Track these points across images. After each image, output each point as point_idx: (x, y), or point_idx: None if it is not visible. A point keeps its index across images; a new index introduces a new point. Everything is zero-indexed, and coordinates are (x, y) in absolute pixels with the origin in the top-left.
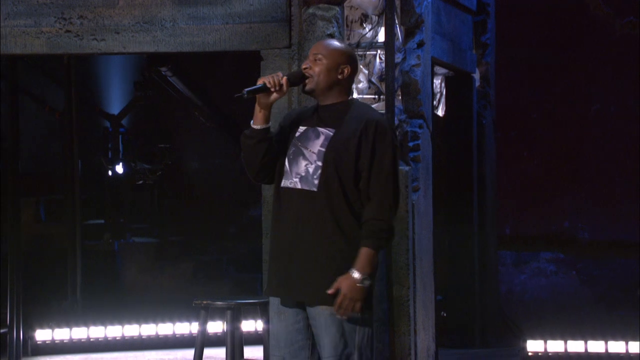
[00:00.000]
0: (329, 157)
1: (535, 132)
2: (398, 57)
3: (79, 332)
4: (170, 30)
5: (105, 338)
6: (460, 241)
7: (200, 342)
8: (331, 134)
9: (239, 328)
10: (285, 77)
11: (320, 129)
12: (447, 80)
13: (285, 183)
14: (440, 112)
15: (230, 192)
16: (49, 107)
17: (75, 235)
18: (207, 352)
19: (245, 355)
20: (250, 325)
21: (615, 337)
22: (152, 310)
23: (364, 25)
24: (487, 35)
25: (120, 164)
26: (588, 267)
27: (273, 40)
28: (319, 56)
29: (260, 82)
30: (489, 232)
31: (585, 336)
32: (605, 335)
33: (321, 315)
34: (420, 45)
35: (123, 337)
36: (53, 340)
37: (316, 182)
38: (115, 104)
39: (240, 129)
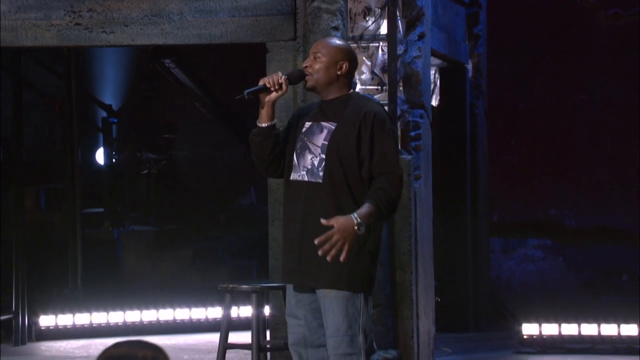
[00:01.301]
0: (332, 150)
1: (522, 122)
2: (400, 49)
3: (82, 318)
4: (177, 23)
5: (108, 324)
6: (454, 228)
7: (225, 326)
8: (333, 127)
9: (263, 311)
10: (284, 77)
11: (324, 124)
12: (441, 71)
13: (294, 176)
14: (434, 102)
15: (219, 182)
16: (49, 98)
17: (76, 224)
18: (212, 337)
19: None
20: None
21: (607, 320)
22: (152, 296)
23: (367, 18)
24: (479, 27)
25: (116, 154)
26: (574, 253)
27: (278, 33)
28: (318, 54)
29: (260, 83)
30: (482, 220)
31: (578, 319)
32: (597, 318)
33: (326, 298)
34: (421, 37)
35: (125, 322)
36: (57, 326)
37: (321, 174)
38: (110, 94)
39: (239, 120)
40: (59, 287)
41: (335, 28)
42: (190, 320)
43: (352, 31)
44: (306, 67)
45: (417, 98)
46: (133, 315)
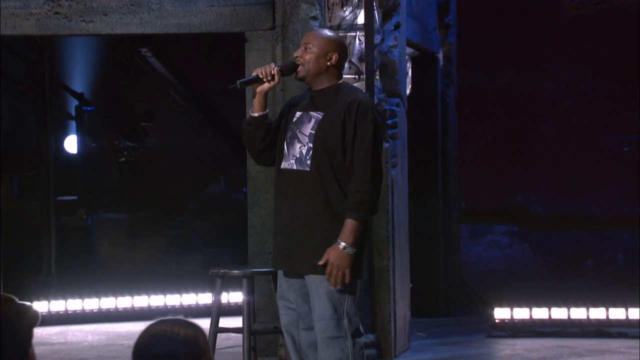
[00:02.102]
0: (318, 139)
1: (489, 109)
2: (377, 39)
3: (57, 305)
4: (157, 12)
5: (83, 310)
6: (426, 214)
7: (216, 311)
8: (320, 117)
9: (253, 296)
10: (277, 68)
11: (312, 113)
12: (413, 60)
13: (284, 165)
14: (407, 91)
15: (189, 170)
16: (21, 86)
17: (50, 211)
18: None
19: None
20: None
21: (576, 305)
22: (127, 283)
23: (345, 8)
24: (450, 17)
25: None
26: (540, 239)
27: (257, 22)
28: (309, 45)
29: (253, 74)
30: (452, 206)
31: (548, 304)
32: (566, 302)
33: (312, 283)
34: (397, 27)
35: (100, 309)
36: None
37: (309, 162)
38: (80, 82)
39: (213, 109)
40: (33, 274)
41: (314, 18)
42: (165, 306)
43: (330, 21)
44: (297, 57)
45: (394, 87)
46: (108, 302)
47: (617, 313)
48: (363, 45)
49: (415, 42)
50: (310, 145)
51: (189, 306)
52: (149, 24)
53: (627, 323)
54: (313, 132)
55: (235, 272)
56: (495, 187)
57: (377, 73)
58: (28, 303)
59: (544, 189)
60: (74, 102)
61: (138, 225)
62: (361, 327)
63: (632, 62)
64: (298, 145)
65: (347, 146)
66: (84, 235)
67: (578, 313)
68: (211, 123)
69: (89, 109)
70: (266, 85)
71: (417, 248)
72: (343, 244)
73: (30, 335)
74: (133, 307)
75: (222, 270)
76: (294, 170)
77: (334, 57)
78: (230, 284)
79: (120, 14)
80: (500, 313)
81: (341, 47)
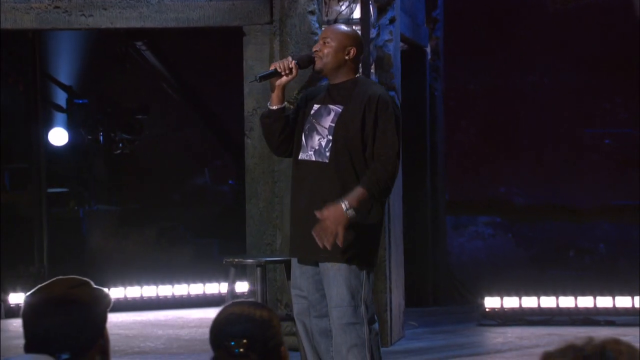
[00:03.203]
0: (339, 131)
1: (473, 102)
2: (372, 33)
3: None
4: (156, 7)
5: None
6: (415, 206)
7: (230, 299)
8: (340, 110)
9: (266, 284)
10: (294, 61)
11: (331, 106)
12: (403, 54)
13: (302, 156)
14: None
15: (173, 162)
16: (12, 79)
17: (41, 203)
18: (181, 313)
19: None
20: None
21: (565, 293)
22: (119, 274)
23: (341, 2)
24: (437, 11)
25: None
26: (523, 230)
27: (255, 17)
28: (328, 39)
29: (272, 67)
30: (440, 198)
31: (538, 293)
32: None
33: (330, 270)
34: (392, 21)
35: None
36: None
37: (328, 154)
38: (67, 75)
39: (203, 102)
40: (25, 265)
41: (312, 12)
42: (157, 297)
43: (326, 15)
44: (316, 51)
45: (389, 80)
46: None
47: (604, 301)
48: None
49: (407, 36)
50: (330, 137)
51: (181, 297)
52: (148, 18)
53: (615, 311)
54: (333, 124)
55: (250, 261)
56: (478, 179)
57: (373, 67)
58: (102, 288)
59: (526, 181)
60: (60, 95)
61: (128, 217)
62: (375, 315)
63: (612, 56)
64: (317, 137)
65: (366, 139)
66: (76, 227)
67: (566, 302)
68: (202, 116)
69: (81, 101)
70: (284, 79)
71: (406, 239)
72: (346, 202)
73: (105, 317)
74: (126, 298)
75: (236, 260)
76: (313, 161)
77: (352, 51)
78: (223, 272)
79: (119, 8)
80: (491, 302)
81: (359, 42)
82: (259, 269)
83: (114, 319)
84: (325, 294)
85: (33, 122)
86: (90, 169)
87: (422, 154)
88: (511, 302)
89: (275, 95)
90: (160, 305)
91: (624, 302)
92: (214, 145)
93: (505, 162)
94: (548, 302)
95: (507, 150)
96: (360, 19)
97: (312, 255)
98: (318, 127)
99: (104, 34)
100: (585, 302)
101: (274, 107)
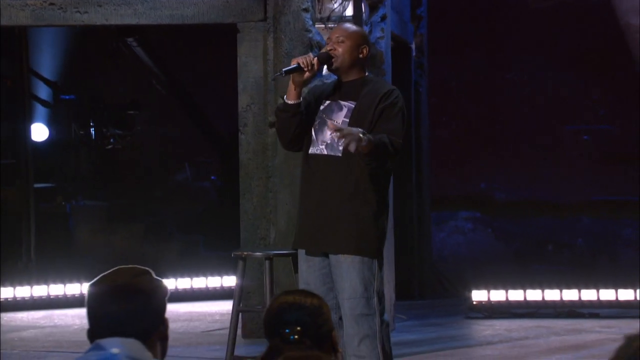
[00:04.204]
0: (352, 126)
1: (454, 99)
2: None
3: (40, 290)
4: (150, 4)
5: (65, 295)
6: (400, 201)
7: (238, 291)
8: (352, 106)
9: (272, 277)
10: (315, 58)
11: (343, 103)
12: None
13: (312, 150)
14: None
15: (154, 158)
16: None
17: (29, 198)
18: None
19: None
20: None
21: (550, 286)
22: (108, 269)
23: (334, 0)
24: (422, 9)
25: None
26: (503, 225)
27: (249, 14)
28: (341, 38)
29: (294, 63)
30: (425, 193)
31: (524, 286)
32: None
33: (343, 263)
34: (383, 18)
35: (82, 294)
36: (15, 298)
37: (340, 148)
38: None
39: (191, 98)
40: (12, 260)
41: (306, 10)
42: None
43: (319, 12)
44: (331, 50)
45: (381, 77)
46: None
47: (589, 294)
48: None
49: (396, 33)
50: None
51: (170, 290)
52: (142, 15)
53: (599, 304)
54: (347, 120)
55: (258, 254)
56: (459, 175)
57: None
58: (159, 278)
59: (506, 177)
60: (42, 90)
61: (115, 212)
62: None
63: (591, 54)
64: (328, 132)
65: (376, 133)
66: (63, 222)
67: (552, 295)
68: (187, 112)
69: (68, 97)
70: (306, 75)
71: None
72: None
73: (164, 305)
74: None
75: (245, 253)
76: (324, 155)
77: (365, 50)
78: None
79: (114, 5)
80: (478, 295)
81: (369, 41)
82: (267, 262)
83: None
84: (336, 285)
85: (20, 118)
86: (77, 165)
87: (407, 149)
88: (498, 295)
89: (293, 90)
90: None
91: (607, 295)
92: (196, 141)
93: (485, 158)
94: (534, 295)
95: (487, 147)
96: (353, 16)
97: (323, 248)
98: (329, 122)
99: (91, 30)
100: (570, 295)
101: (292, 102)
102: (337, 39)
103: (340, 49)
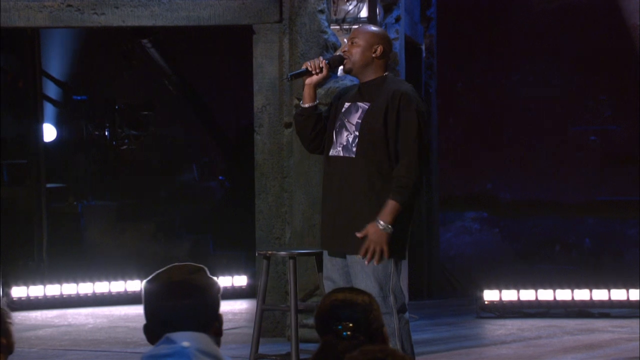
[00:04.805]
0: (364, 127)
1: (460, 100)
2: None
3: (53, 289)
4: (167, 5)
5: (77, 294)
6: None
7: (262, 290)
8: (367, 107)
9: (296, 276)
10: (325, 61)
11: (359, 104)
12: None
13: (332, 152)
14: None
15: (163, 158)
16: (10, 75)
17: (41, 198)
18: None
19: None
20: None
21: (562, 286)
22: (119, 268)
23: (349, 2)
24: (432, 10)
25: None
26: (509, 225)
27: (265, 15)
28: (355, 40)
29: (303, 67)
30: (434, 194)
31: (535, 285)
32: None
33: (357, 262)
34: (397, 20)
35: (94, 293)
36: (28, 297)
37: (354, 149)
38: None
39: (201, 99)
40: (24, 259)
41: (321, 11)
42: None
43: (334, 14)
44: (344, 51)
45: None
46: (102, 287)
47: (600, 294)
48: None
49: (408, 34)
50: (357, 133)
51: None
52: (159, 17)
53: (610, 304)
54: (360, 121)
55: (282, 253)
56: (465, 175)
57: None
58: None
59: (513, 177)
60: (51, 90)
61: (124, 212)
62: (406, 305)
63: (597, 55)
64: (345, 134)
65: (389, 135)
66: (74, 222)
67: (563, 294)
68: (197, 113)
69: (79, 98)
70: (315, 78)
71: None
72: (382, 222)
73: (219, 301)
74: (126, 291)
75: (269, 252)
76: (341, 157)
77: (378, 49)
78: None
79: (131, 7)
80: (490, 295)
81: (386, 40)
82: (291, 261)
83: (116, 312)
84: (354, 284)
85: (32, 119)
86: (87, 165)
87: None
88: (509, 294)
89: (306, 94)
90: None
91: (619, 294)
92: (204, 142)
93: (492, 159)
94: (545, 294)
95: (493, 147)
96: (368, 18)
97: (341, 248)
98: (347, 124)
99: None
100: (581, 294)
101: (306, 105)
102: (352, 40)
103: (353, 50)
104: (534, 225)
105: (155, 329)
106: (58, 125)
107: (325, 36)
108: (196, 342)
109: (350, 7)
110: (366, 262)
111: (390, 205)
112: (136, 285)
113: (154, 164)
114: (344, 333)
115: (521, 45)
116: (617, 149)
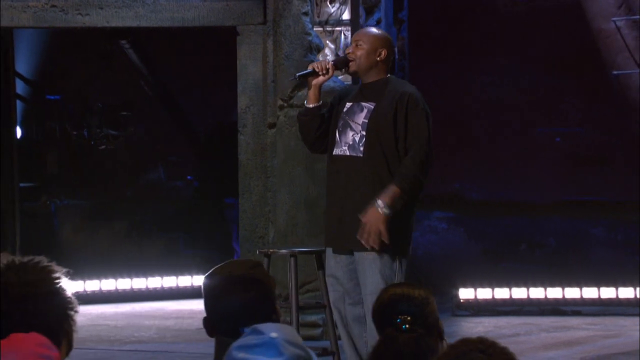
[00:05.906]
0: (371, 127)
1: (428, 100)
2: None
3: None
4: (151, 7)
5: None
6: None
7: None
8: (372, 107)
9: (297, 273)
10: (331, 62)
11: (363, 104)
12: None
13: (336, 151)
14: None
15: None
16: None
17: (14, 197)
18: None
19: None
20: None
21: (535, 285)
22: (93, 267)
23: (332, 4)
24: (404, 12)
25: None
26: (476, 225)
27: (249, 17)
28: (360, 42)
29: (309, 68)
30: None
31: (509, 284)
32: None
33: (365, 259)
34: (379, 22)
35: (76, 292)
36: None
37: (361, 149)
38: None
39: (174, 100)
40: None
41: (305, 14)
42: (131, 289)
43: (318, 16)
44: (349, 53)
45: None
46: (76, 286)
47: (572, 292)
48: (349, 40)
49: None
50: (363, 132)
51: (155, 289)
52: (143, 18)
53: (582, 302)
54: (366, 120)
55: (283, 251)
56: (433, 175)
57: None
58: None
59: (480, 177)
60: (27, 90)
61: (98, 211)
62: None
63: (565, 57)
64: (351, 133)
65: (398, 135)
66: (48, 221)
67: (536, 293)
68: (169, 113)
69: (53, 97)
70: (321, 78)
71: None
72: (380, 202)
73: (274, 295)
74: (101, 290)
75: (271, 250)
76: (347, 156)
77: (383, 52)
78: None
79: (115, 8)
80: (465, 293)
81: (389, 44)
82: (292, 259)
83: (93, 310)
84: (360, 281)
85: (5, 118)
86: (61, 164)
87: None
88: (484, 293)
89: (312, 94)
90: (135, 297)
91: (590, 293)
92: (174, 141)
93: (459, 159)
94: (519, 293)
95: (462, 147)
96: (350, 20)
97: (348, 245)
98: (351, 124)
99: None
100: (554, 293)
101: (311, 105)
102: (356, 43)
103: (358, 53)
104: (500, 224)
105: (215, 322)
106: (29, 124)
107: (309, 38)
108: (283, 332)
109: (333, 10)
110: (366, 245)
111: (391, 189)
112: (111, 284)
113: (126, 163)
114: (403, 326)
115: (489, 47)
116: (583, 151)
